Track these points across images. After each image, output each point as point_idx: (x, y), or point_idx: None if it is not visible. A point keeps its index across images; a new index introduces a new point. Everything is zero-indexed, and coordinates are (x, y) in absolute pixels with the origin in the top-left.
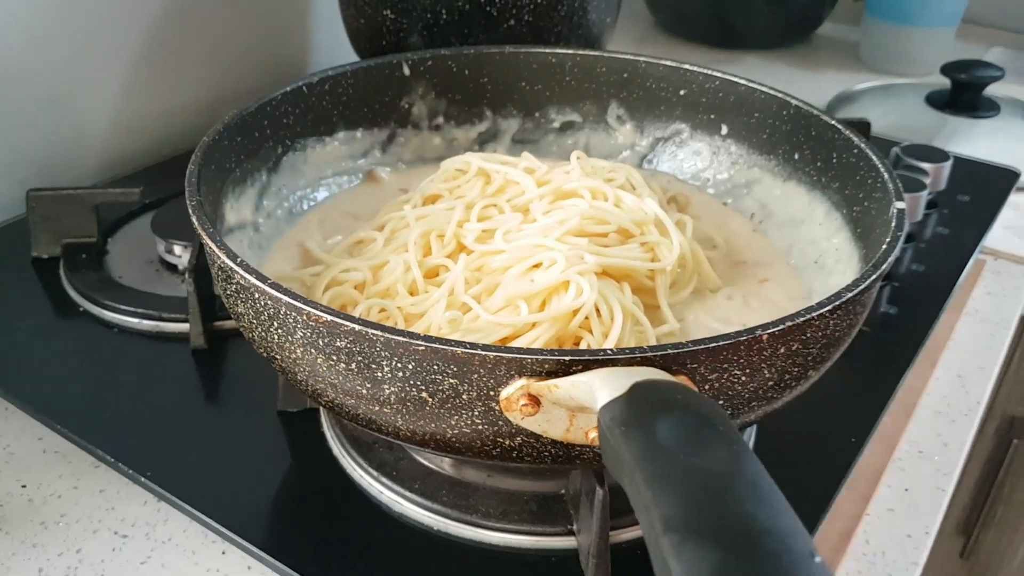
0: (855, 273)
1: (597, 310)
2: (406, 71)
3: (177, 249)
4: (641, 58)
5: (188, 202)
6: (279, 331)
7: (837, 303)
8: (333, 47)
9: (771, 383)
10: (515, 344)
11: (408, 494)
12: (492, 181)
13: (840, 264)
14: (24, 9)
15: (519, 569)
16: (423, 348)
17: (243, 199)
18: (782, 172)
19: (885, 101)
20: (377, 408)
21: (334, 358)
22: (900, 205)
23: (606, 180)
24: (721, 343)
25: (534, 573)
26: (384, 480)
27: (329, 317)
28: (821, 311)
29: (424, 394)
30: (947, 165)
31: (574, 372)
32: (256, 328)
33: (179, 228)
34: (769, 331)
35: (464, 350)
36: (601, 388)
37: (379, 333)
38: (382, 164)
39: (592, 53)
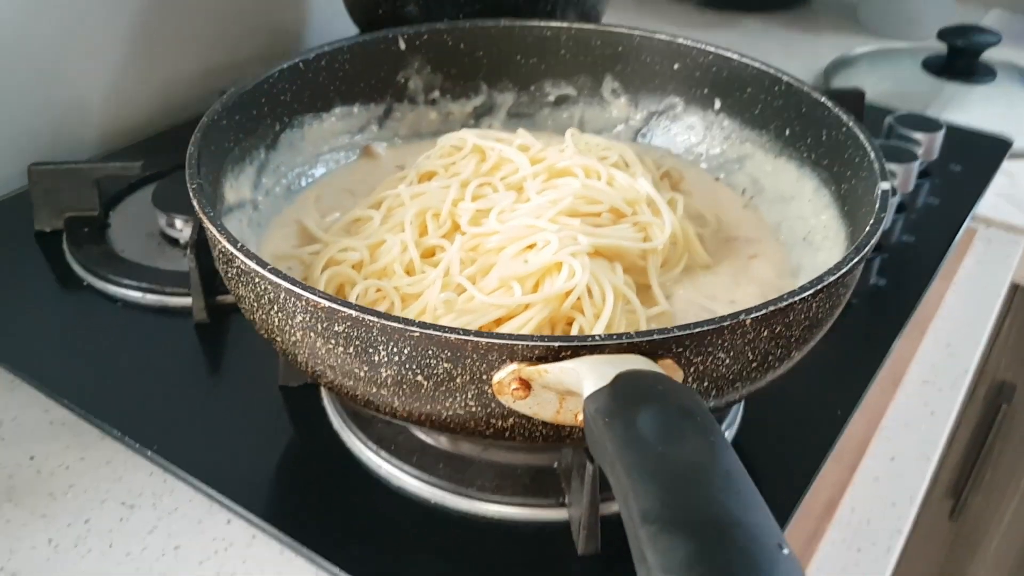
0: (842, 250)
1: (589, 291)
2: (402, 46)
3: (178, 223)
4: (636, 32)
5: (188, 184)
6: (279, 315)
7: (819, 287)
8: (329, 16)
9: (755, 364)
10: (508, 325)
11: (406, 467)
12: (487, 158)
13: (828, 241)
14: None
15: (512, 540)
16: (418, 334)
17: (242, 177)
18: (773, 148)
19: (882, 66)
20: (375, 390)
21: (332, 342)
22: (884, 186)
23: (600, 158)
24: (705, 328)
25: (527, 543)
26: (383, 453)
27: (327, 303)
28: (803, 295)
29: (420, 377)
30: (939, 135)
31: (563, 358)
32: (257, 311)
33: (180, 202)
34: (752, 315)
35: (457, 336)
36: (588, 376)
37: (375, 319)
38: (378, 139)
39: (587, 27)
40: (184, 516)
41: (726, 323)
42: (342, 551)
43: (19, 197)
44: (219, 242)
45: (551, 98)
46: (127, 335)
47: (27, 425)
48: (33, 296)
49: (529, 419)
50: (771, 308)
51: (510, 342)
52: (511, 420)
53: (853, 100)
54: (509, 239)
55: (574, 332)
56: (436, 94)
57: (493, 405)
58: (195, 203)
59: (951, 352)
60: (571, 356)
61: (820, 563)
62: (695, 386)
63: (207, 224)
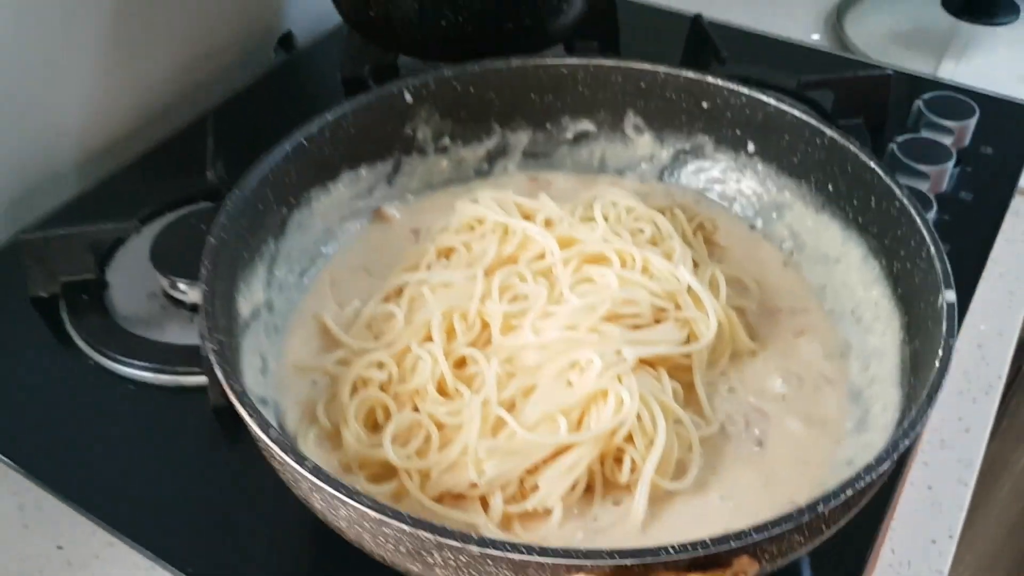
0: (895, 337)
1: (639, 417)
2: (408, 99)
3: (181, 285)
4: (660, 69)
5: (207, 343)
6: (321, 503)
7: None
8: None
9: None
10: (556, 466)
11: None
12: (510, 236)
13: (879, 323)
14: None
15: None
16: (478, 553)
17: (253, 282)
18: (814, 201)
19: (897, 5)
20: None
21: (381, 539)
22: (950, 297)
23: (633, 230)
24: (783, 528)
25: None
26: None
27: (376, 515)
28: (878, 472)
29: None
30: (972, 121)
31: (633, 574)
32: (296, 489)
33: (179, 262)
34: (830, 505)
35: (520, 556)
36: None
37: (430, 536)
38: (389, 198)
39: (606, 63)
40: None
41: (804, 519)
42: None
43: (9, 251)
44: (253, 431)
45: (569, 135)
46: (142, 421)
47: (48, 510)
48: (36, 376)
49: None
50: (848, 492)
51: (576, 562)
52: None
53: (880, 84)
54: (548, 356)
55: (625, 465)
56: (446, 141)
57: None
58: (221, 375)
59: (983, 355)
60: (643, 574)
61: None
62: (768, 566)
63: (239, 407)
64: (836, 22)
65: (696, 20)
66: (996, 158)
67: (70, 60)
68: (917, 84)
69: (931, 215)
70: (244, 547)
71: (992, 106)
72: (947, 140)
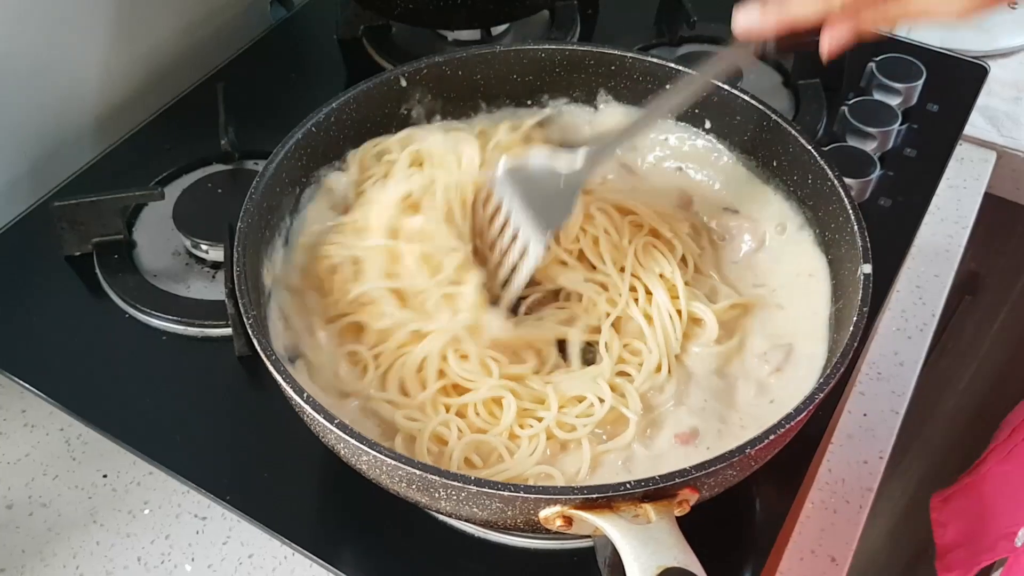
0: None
1: None
2: (403, 83)
3: (204, 246)
4: (628, 54)
5: (256, 341)
6: (345, 451)
7: (811, 406)
8: None
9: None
10: None
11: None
12: None
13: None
14: None
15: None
16: (475, 491)
17: (274, 255)
18: (761, 174)
19: None
20: (429, 503)
21: (396, 478)
22: (866, 269)
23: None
24: (717, 466)
25: None
26: None
27: (393, 462)
28: (798, 417)
29: (475, 508)
30: (919, 84)
31: (600, 505)
32: (324, 439)
33: (201, 224)
34: (756, 447)
35: (509, 493)
36: (630, 561)
37: (436, 478)
38: None
39: (580, 48)
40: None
41: (735, 458)
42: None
43: (40, 210)
44: (288, 395)
45: (548, 111)
46: (177, 369)
47: (93, 442)
48: (76, 327)
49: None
50: (771, 436)
51: (556, 496)
52: (552, 531)
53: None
54: None
55: None
56: (438, 118)
57: (537, 525)
58: (259, 348)
59: (920, 295)
60: (607, 507)
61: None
62: (709, 494)
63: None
64: None
65: None
66: (940, 114)
67: (82, 22)
68: (873, 44)
69: (875, 174)
70: (268, 477)
71: (940, 62)
72: (895, 101)
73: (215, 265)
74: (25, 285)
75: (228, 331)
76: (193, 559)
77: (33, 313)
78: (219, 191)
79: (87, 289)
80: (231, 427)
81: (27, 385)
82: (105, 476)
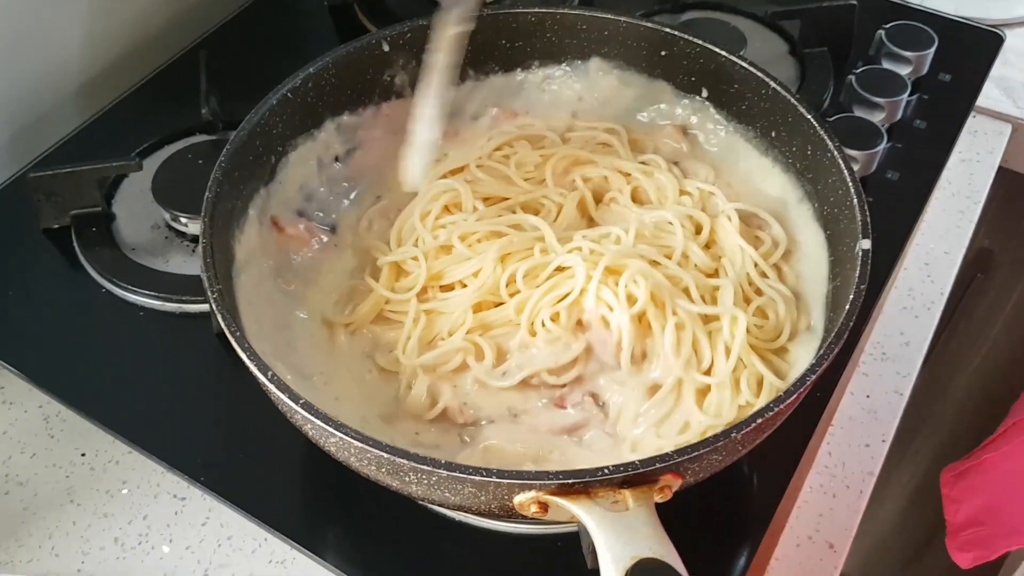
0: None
1: None
2: (386, 48)
3: (183, 218)
4: (622, 18)
5: (219, 318)
6: (312, 431)
7: (802, 387)
8: None
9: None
10: None
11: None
12: None
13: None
14: None
15: None
16: (445, 476)
17: (247, 227)
18: (759, 145)
19: None
20: (400, 487)
21: (365, 460)
22: (865, 245)
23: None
24: (700, 451)
25: None
26: None
27: (360, 444)
28: (788, 400)
29: (447, 493)
30: (931, 52)
31: (576, 491)
32: (291, 419)
33: (180, 197)
34: (742, 431)
35: (481, 478)
36: (604, 551)
37: (404, 462)
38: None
39: (572, 12)
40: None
41: (719, 442)
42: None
43: (19, 182)
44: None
45: (538, 78)
46: (152, 345)
47: (72, 420)
48: (53, 301)
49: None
50: (758, 420)
51: (528, 482)
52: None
53: (844, 14)
54: None
55: None
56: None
57: (512, 511)
58: (222, 323)
59: (928, 272)
60: (583, 490)
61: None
62: (692, 479)
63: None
64: None
65: None
66: (953, 84)
67: None
68: (885, 10)
69: (882, 146)
70: (246, 457)
71: (953, 30)
72: (905, 70)
73: (195, 239)
74: (2, 259)
75: (207, 307)
76: (171, 540)
77: (10, 287)
78: (200, 162)
79: (66, 262)
80: (209, 406)
81: (1, 362)
82: (83, 455)
